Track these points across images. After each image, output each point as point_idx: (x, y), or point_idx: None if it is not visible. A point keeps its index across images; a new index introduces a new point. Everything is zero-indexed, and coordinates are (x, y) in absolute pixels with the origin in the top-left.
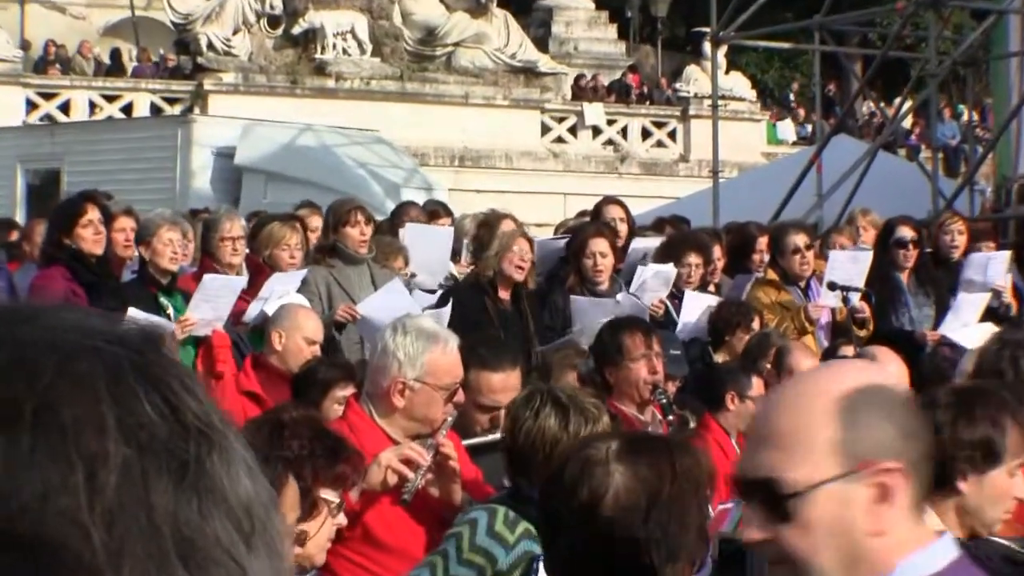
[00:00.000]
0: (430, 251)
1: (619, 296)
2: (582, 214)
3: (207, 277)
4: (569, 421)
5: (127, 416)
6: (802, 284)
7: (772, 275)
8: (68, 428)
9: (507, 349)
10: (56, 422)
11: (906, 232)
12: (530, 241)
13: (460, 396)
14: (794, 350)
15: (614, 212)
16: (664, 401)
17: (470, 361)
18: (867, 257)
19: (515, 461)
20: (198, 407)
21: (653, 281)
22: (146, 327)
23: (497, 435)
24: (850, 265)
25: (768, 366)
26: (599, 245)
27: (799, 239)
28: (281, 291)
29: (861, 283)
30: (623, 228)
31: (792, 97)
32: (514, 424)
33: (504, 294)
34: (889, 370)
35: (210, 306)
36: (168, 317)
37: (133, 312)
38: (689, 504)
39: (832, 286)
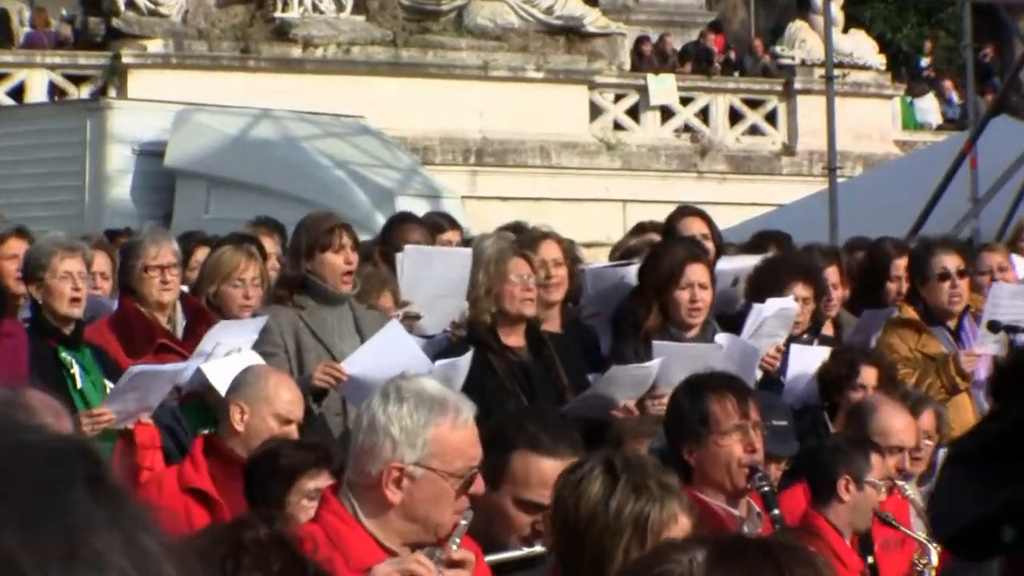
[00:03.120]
0: (439, 284)
1: (719, 338)
2: (641, 229)
3: (133, 371)
4: (614, 492)
5: None
6: (952, 324)
7: (910, 312)
8: None
9: (566, 429)
10: None
11: None
12: (528, 259)
13: (479, 486)
14: (880, 406)
15: (693, 227)
16: (767, 490)
17: (516, 440)
18: None
19: (556, 541)
20: None
21: (772, 323)
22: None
23: (539, 548)
24: (1019, 300)
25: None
26: (699, 273)
27: (948, 261)
28: (229, 345)
29: None
30: (707, 248)
31: (934, 64)
32: (556, 490)
33: (515, 340)
34: None
35: (136, 396)
36: (72, 379)
37: None
38: None
39: (994, 327)
